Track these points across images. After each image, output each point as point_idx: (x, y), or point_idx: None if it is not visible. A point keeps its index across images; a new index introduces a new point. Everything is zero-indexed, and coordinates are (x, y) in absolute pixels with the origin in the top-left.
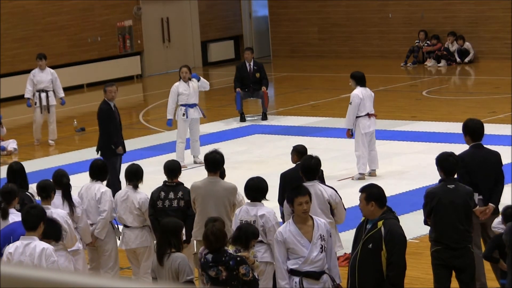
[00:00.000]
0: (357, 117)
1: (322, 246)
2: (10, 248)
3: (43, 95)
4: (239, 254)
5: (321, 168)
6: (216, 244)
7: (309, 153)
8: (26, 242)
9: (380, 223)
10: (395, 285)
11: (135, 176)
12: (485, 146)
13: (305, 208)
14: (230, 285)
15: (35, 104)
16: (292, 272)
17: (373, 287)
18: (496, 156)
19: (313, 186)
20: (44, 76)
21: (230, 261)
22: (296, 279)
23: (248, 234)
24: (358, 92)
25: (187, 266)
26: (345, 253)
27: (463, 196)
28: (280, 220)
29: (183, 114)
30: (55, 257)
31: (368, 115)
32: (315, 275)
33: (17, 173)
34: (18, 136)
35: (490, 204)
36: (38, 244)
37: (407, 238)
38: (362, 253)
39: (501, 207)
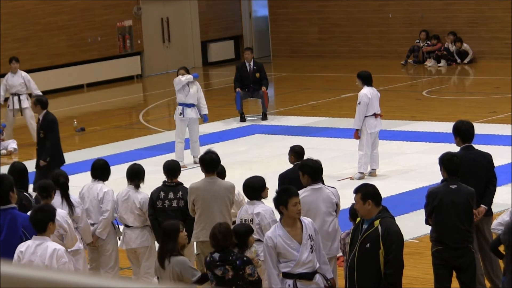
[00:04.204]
0: (364, 116)
1: (311, 246)
2: (21, 247)
3: (15, 98)
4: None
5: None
6: (224, 242)
7: (308, 153)
8: (38, 242)
9: (376, 222)
10: (393, 283)
11: (137, 176)
12: (477, 147)
13: (299, 208)
14: (235, 284)
15: (8, 107)
16: (285, 275)
17: (373, 287)
18: (487, 157)
19: (321, 189)
20: (15, 80)
21: (237, 260)
22: (290, 282)
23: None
24: (366, 91)
25: (189, 269)
26: None
27: (465, 196)
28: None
29: (180, 113)
30: (66, 258)
31: (375, 115)
32: (308, 276)
33: (18, 173)
34: (18, 136)
35: (481, 205)
36: (50, 245)
37: (408, 238)
38: (360, 253)
39: (494, 208)
